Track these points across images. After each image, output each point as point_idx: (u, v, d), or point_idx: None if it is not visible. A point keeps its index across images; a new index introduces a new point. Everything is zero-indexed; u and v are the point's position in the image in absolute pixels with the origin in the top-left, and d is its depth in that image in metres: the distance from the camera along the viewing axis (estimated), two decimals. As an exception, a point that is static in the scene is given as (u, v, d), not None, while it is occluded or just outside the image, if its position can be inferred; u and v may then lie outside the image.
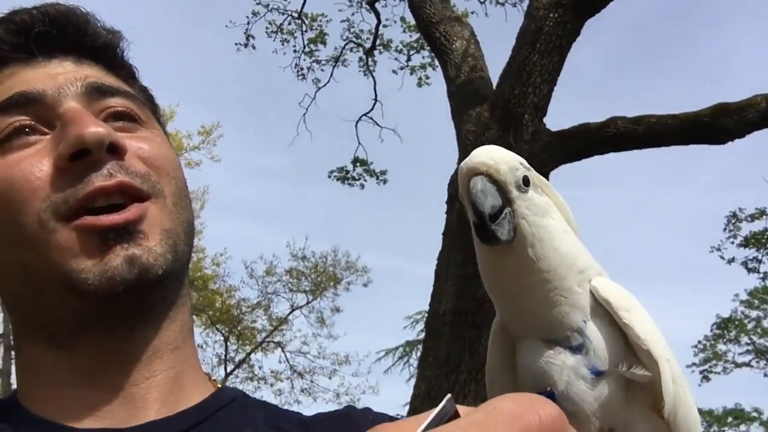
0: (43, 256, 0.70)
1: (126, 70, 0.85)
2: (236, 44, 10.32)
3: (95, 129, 0.70)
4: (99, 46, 0.82)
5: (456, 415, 0.39)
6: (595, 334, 0.77)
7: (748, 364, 20.22)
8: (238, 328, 17.85)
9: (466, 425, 0.36)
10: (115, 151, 0.72)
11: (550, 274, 0.77)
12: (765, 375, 20.21)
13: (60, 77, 0.76)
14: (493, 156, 0.78)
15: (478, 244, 0.78)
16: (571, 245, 0.80)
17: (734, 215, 11.97)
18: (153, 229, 0.73)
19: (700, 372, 20.13)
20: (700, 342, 20.31)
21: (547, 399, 0.40)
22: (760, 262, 11.72)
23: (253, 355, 18.31)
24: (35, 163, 0.71)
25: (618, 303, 0.78)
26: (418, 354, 7.61)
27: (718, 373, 20.13)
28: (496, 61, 5.41)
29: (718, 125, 4.70)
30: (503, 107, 5.02)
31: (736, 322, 19.87)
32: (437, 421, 0.38)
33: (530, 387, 0.78)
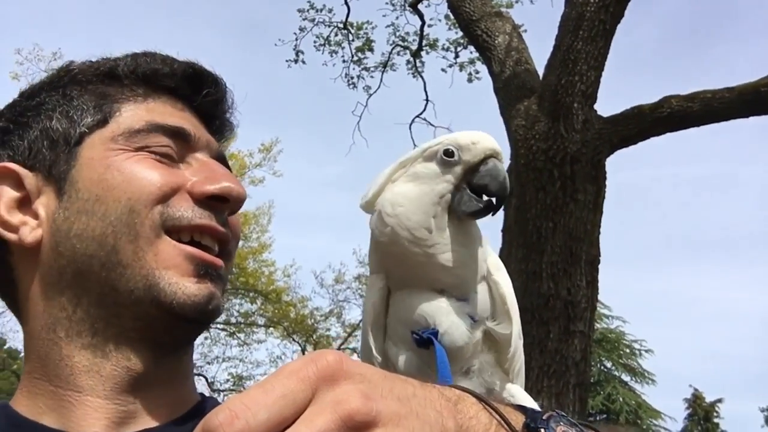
0: (140, 252, 0.76)
1: (223, 142, 0.97)
2: (287, 61, 10.58)
3: (240, 189, 0.83)
4: (220, 120, 0.95)
5: None
6: (481, 291, 0.93)
7: None
8: (314, 337, 18.15)
9: (258, 384, 0.41)
10: (232, 212, 0.85)
11: (482, 242, 0.96)
12: None
13: (205, 134, 0.88)
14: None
15: (438, 217, 0.90)
16: None
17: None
18: (222, 281, 0.82)
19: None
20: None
21: (327, 350, 0.44)
22: None
23: (331, 363, 18.55)
24: (171, 177, 0.80)
25: (496, 264, 0.96)
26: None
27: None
28: (544, 49, 5.32)
29: (778, 94, 4.49)
30: (551, 98, 4.95)
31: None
32: None
33: (416, 326, 0.90)
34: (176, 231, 0.78)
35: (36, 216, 0.79)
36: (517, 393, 0.93)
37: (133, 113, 0.84)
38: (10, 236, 0.79)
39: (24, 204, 0.80)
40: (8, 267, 0.81)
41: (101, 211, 0.76)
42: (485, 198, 0.92)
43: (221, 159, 0.89)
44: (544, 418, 0.53)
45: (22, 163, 0.81)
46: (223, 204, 0.82)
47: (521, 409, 0.55)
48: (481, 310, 0.92)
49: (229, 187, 0.81)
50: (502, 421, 0.51)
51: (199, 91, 0.89)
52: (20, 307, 0.82)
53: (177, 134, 0.84)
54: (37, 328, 0.78)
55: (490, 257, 0.96)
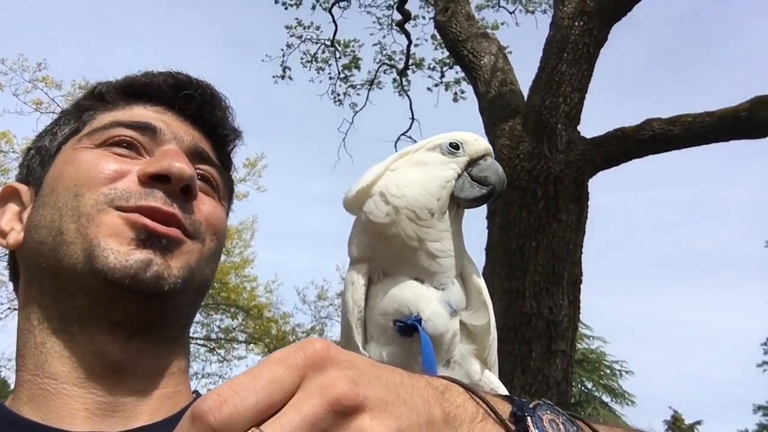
0: (81, 228, 0.78)
1: (225, 161, 1.00)
2: (273, 77, 10.59)
3: (183, 166, 0.83)
4: (218, 134, 0.98)
5: None
6: (456, 284, 0.96)
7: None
8: (295, 354, 18.00)
9: (246, 371, 0.41)
10: (187, 192, 0.84)
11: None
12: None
13: (180, 129, 0.91)
14: None
15: (442, 201, 0.94)
16: None
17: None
18: (181, 257, 0.82)
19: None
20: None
21: (315, 338, 0.44)
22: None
23: (311, 380, 18.39)
24: (121, 164, 0.84)
25: (469, 258, 0.99)
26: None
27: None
28: (529, 71, 5.39)
29: (757, 119, 4.58)
30: (535, 119, 5.00)
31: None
32: None
33: (398, 316, 0.92)
34: (124, 210, 0.80)
35: (22, 221, 0.87)
36: (494, 381, 0.95)
37: (104, 117, 0.90)
38: (1, 241, 0.87)
39: (22, 214, 0.88)
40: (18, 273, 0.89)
41: (52, 200, 0.82)
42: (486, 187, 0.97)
43: (196, 153, 0.90)
44: (530, 406, 0.53)
45: (23, 181, 0.91)
46: (166, 184, 0.82)
47: (507, 398, 0.55)
48: (457, 301, 0.95)
49: (169, 165, 0.82)
50: (489, 411, 0.51)
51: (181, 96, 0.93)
52: None
53: (142, 128, 0.87)
54: (20, 321, 0.83)
55: (466, 255, 1.00)
